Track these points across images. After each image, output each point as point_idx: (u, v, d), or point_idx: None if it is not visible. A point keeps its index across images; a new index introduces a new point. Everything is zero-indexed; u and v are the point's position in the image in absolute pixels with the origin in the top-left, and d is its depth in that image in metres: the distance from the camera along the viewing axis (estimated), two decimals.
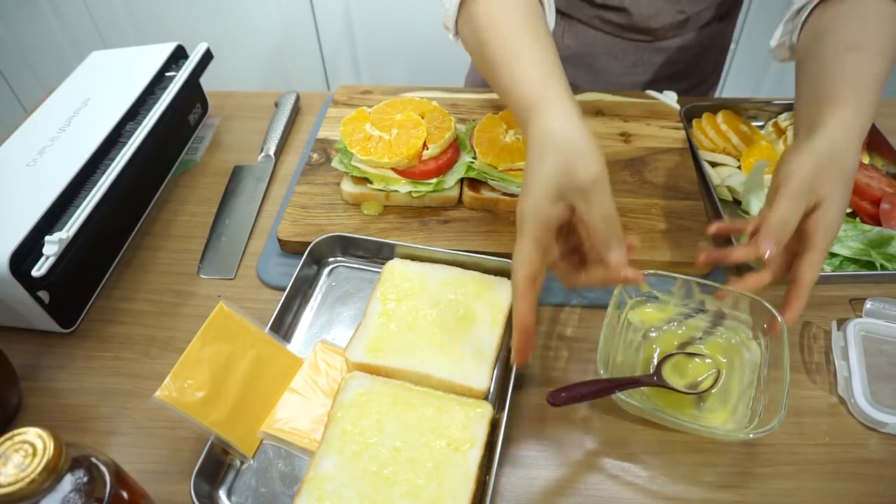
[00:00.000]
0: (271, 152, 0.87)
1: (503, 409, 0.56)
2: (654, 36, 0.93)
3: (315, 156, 0.83)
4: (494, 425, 0.55)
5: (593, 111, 0.87)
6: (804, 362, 0.63)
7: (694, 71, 1.01)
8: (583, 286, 0.56)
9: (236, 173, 0.86)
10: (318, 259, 0.71)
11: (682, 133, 0.84)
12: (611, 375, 0.56)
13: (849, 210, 0.73)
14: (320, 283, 0.70)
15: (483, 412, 0.55)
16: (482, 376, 0.57)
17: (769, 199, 0.56)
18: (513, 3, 0.61)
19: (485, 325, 0.61)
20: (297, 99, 0.96)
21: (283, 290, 0.66)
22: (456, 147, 0.76)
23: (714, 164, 0.81)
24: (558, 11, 0.94)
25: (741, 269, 0.69)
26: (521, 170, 0.71)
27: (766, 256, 0.52)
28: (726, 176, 0.78)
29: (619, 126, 0.85)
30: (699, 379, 0.58)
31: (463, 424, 0.54)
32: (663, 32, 0.93)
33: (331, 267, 0.72)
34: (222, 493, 0.54)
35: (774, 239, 0.52)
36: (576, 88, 0.88)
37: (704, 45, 0.97)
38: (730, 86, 1.71)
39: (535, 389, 0.61)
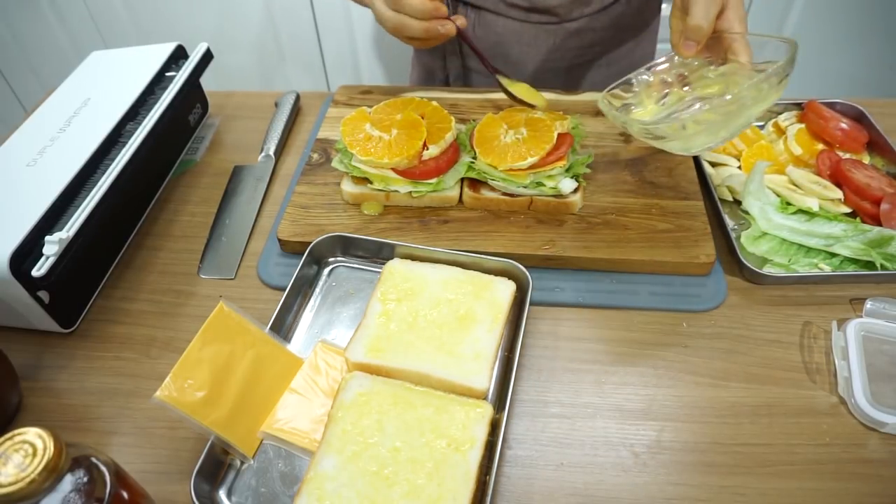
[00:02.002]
0: (271, 152, 0.87)
1: (503, 409, 0.56)
2: (558, 16, 0.94)
3: (315, 156, 0.83)
4: (494, 425, 0.55)
5: (593, 111, 0.87)
6: (804, 362, 0.63)
7: (617, 54, 1.00)
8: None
9: (236, 173, 0.86)
10: (318, 259, 0.71)
11: None
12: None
13: (849, 210, 0.73)
14: (320, 283, 0.70)
15: (483, 412, 0.55)
16: (482, 376, 0.57)
17: (680, 9, 0.64)
18: None
19: (485, 325, 0.61)
20: (297, 99, 0.96)
21: (283, 290, 0.66)
22: (456, 147, 0.76)
23: (714, 164, 0.81)
24: (466, 3, 0.96)
25: None
26: (521, 170, 0.71)
27: (692, 54, 0.64)
28: (726, 176, 0.78)
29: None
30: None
31: (463, 424, 0.54)
32: (565, 11, 0.93)
33: (331, 267, 0.72)
34: (222, 493, 0.54)
35: (694, 40, 0.63)
36: (568, 90, 0.89)
37: (622, 25, 0.97)
38: None
39: (534, 389, 0.61)
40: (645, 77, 0.71)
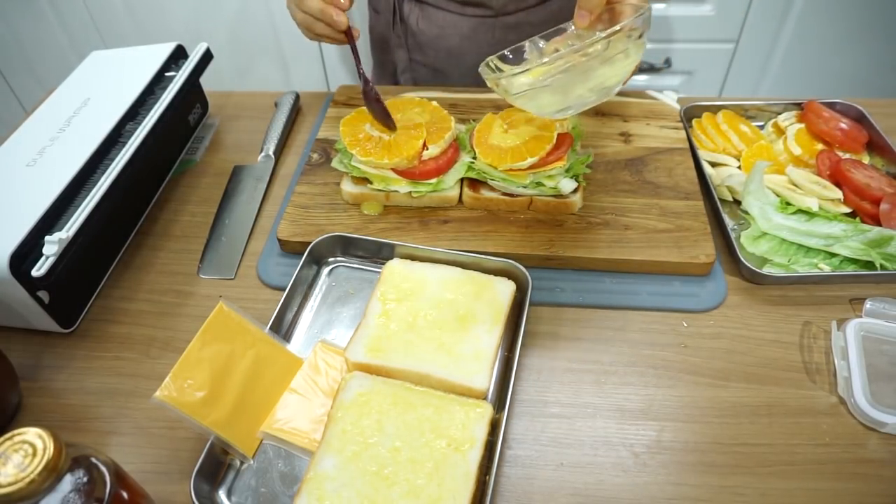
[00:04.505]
0: (271, 152, 0.87)
1: (503, 409, 0.56)
2: (493, 9, 0.95)
3: (315, 156, 0.83)
4: (494, 425, 0.55)
5: (593, 111, 0.87)
6: (804, 362, 0.63)
7: None
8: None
9: (236, 173, 0.86)
10: (318, 259, 0.71)
11: (682, 133, 0.84)
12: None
13: (849, 210, 0.73)
14: (320, 283, 0.70)
15: (483, 412, 0.55)
16: (482, 376, 0.57)
17: None
18: None
19: (485, 325, 0.61)
20: (297, 99, 0.96)
21: (283, 290, 0.66)
22: (456, 147, 0.76)
23: (714, 164, 0.81)
24: None
25: None
26: (521, 170, 0.71)
27: (586, 24, 0.63)
28: (726, 176, 0.78)
29: (619, 126, 0.85)
30: None
31: (463, 424, 0.54)
32: (499, 5, 0.94)
33: (331, 267, 0.72)
34: (222, 493, 0.54)
35: (587, 9, 0.62)
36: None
37: (562, 20, 0.97)
38: (730, 86, 1.71)
39: (534, 389, 0.61)
40: (539, 45, 0.69)
